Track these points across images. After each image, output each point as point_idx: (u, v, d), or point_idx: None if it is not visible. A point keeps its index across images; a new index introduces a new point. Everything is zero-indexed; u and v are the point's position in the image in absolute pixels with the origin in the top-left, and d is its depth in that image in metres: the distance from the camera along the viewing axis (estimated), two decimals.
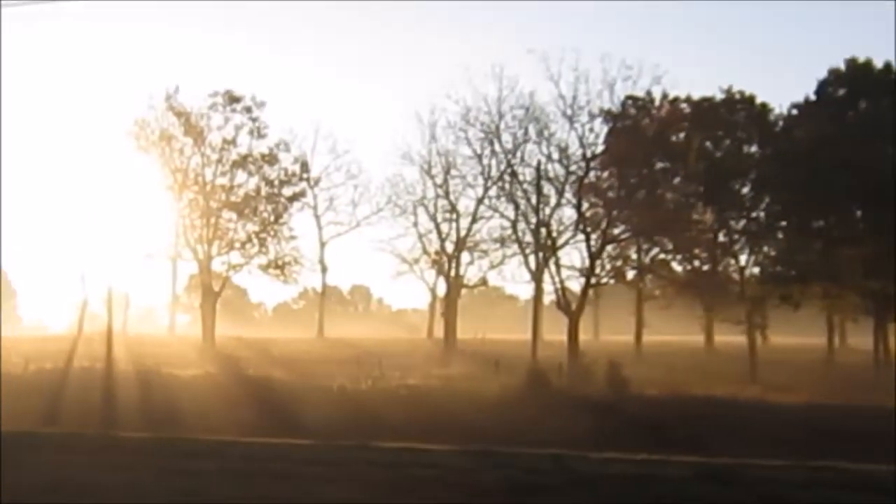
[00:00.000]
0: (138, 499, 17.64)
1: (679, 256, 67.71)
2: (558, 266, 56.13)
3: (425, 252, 72.37)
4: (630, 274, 67.27)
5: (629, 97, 57.95)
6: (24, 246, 72.72)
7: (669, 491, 17.12)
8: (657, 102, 61.63)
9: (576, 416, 26.27)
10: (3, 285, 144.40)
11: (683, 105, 64.38)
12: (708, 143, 63.94)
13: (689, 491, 17.15)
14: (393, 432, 23.58)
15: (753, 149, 65.34)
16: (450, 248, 69.15)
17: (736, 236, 64.54)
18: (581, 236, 56.34)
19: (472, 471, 19.00)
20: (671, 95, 62.17)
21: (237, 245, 67.76)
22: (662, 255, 67.85)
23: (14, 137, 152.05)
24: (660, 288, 72.26)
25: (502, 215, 63.75)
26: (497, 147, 61.47)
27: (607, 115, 56.75)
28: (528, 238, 59.00)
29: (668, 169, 61.31)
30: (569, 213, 57.94)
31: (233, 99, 68.60)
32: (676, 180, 61.74)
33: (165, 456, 21.03)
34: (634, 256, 65.74)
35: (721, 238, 65.17)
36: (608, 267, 60.23)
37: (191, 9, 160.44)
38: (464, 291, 74.21)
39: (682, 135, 63.03)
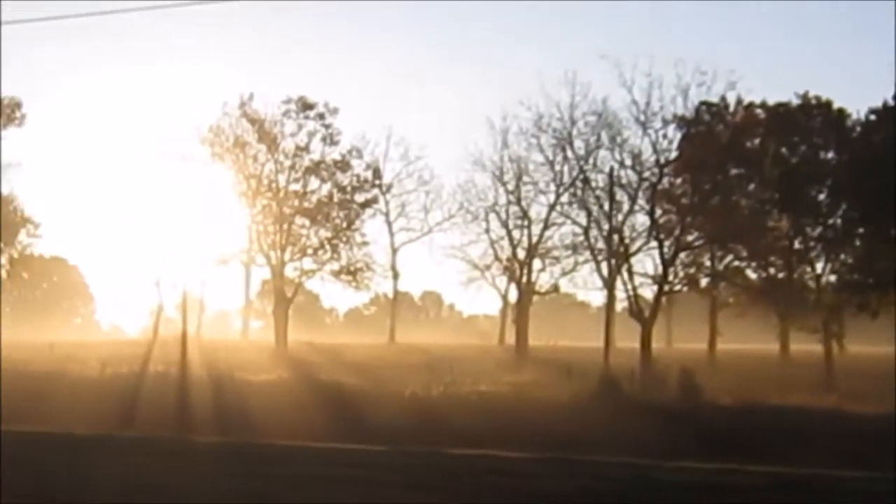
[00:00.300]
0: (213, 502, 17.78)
1: (754, 264, 66.83)
2: (631, 273, 55.84)
3: (497, 258, 72.27)
4: (703, 281, 66.61)
5: (703, 103, 57.43)
6: (101, 252, 73.68)
7: (743, 500, 16.91)
8: (732, 108, 61.02)
9: (648, 423, 26.01)
10: (82, 290, 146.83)
11: (758, 110, 63.63)
12: (783, 149, 63.04)
13: (763, 500, 16.93)
14: (464, 439, 23.50)
15: (830, 155, 64.26)
16: (521, 254, 68.96)
17: (812, 243, 63.58)
18: (654, 243, 56.04)
19: (546, 478, 18.90)
20: (746, 101, 61.61)
21: (310, 251, 68.27)
22: (736, 263, 67.00)
23: (92, 144, 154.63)
24: (734, 296, 71.40)
25: (574, 222, 63.55)
26: (569, 153, 61.33)
27: (681, 121, 56.37)
28: (601, 245, 58.70)
29: (743, 175, 60.59)
30: (642, 220, 57.66)
31: (306, 106, 69.17)
32: (751, 187, 61.01)
33: (239, 460, 21.20)
34: (708, 264, 65.09)
35: (797, 245, 64.24)
36: (681, 274, 59.83)
37: (265, 16, 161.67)
38: (535, 298, 73.87)
39: (756, 141, 62.32)
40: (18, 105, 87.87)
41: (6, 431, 25.64)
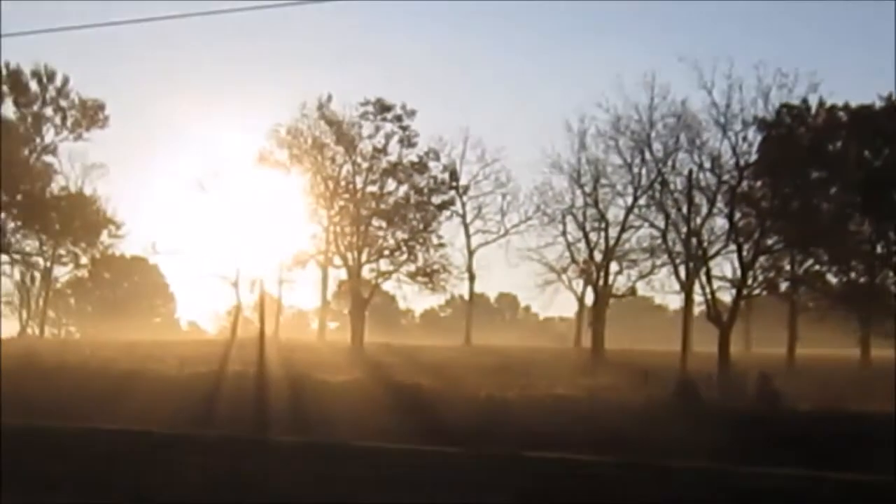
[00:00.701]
0: (292, 501, 17.95)
1: (834, 268, 65.97)
2: (709, 277, 55.37)
3: (573, 261, 72.06)
4: (783, 285, 65.87)
5: (784, 105, 56.89)
6: (180, 252, 74.51)
7: None
8: (813, 110, 60.38)
9: (725, 429, 25.74)
10: (162, 290, 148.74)
11: (840, 113, 62.86)
12: (866, 152, 62.18)
13: None
14: (539, 441, 23.42)
15: None
16: (598, 257, 68.66)
17: (894, 247, 62.61)
18: (733, 246, 55.61)
19: (625, 483, 18.79)
20: (828, 103, 60.90)
21: (386, 252, 68.63)
22: (817, 267, 66.17)
23: (172, 145, 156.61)
24: (814, 300, 70.49)
25: (652, 224, 63.24)
26: (647, 156, 61.07)
27: (761, 124, 55.87)
28: (679, 248, 58.35)
29: (824, 178, 59.83)
30: (720, 223, 57.24)
31: (384, 108, 69.62)
32: (833, 190, 60.24)
33: (316, 460, 21.34)
34: (788, 267, 64.38)
35: (879, 249, 63.33)
36: (760, 278, 59.22)
37: (342, 18, 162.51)
38: (612, 301, 73.55)
39: (838, 143, 61.56)
40: (101, 107, 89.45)
41: (100, 429, 26.13)
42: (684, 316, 58.90)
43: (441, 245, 71.28)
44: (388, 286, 76.84)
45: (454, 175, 78.06)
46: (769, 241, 56.13)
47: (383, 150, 69.94)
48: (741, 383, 39.00)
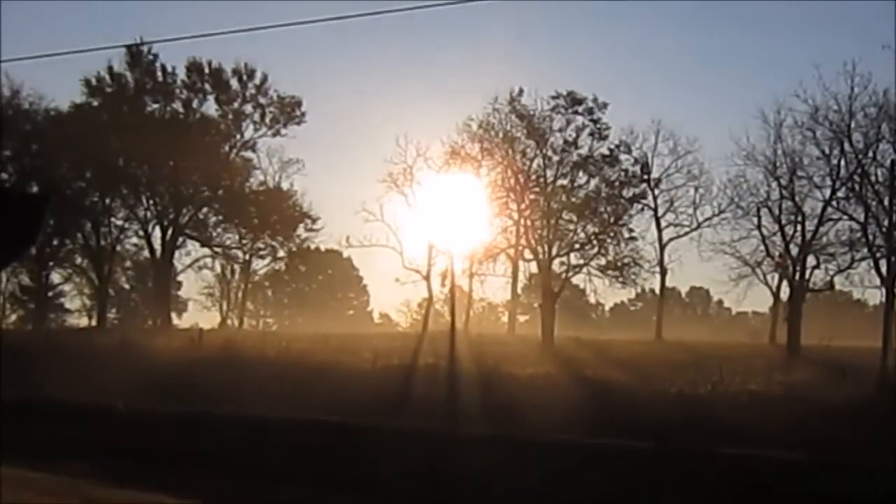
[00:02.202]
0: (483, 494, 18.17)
1: None
2: None
3: (768, 255, 70.40)
4: None
5: None
6: (373, 245, 75.82)
7: None
8: None
9: None
10: (355, 283, 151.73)
11: None
12: None
13: None
14: (733, 438, 23.07)
15: None
16: (794, 250, 66.96)
17: None
18: None
19: (822, 482, 18.37)
20: None
21: (576, 246, 68.32)
22: None
23: (364, 140, 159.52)
24: None
25: (851, 217, 61.32)
26: (847, 147, 59.19)
27: None
28: (879, 241, 56.52)
29: None
30: None
31: (575, 101, 69.41)
32: None
33: (508, 453, 21.54)
34: None
35: None
36: None
37: (533, 11, 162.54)
38: (808, 296, 71.62)
39: None
40: (298, 104, 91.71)
41: (291, 418, 26.94)
42: (885, 311, 56.95)
43: (632, 238, 70.66)
44: (578, 280, 76.59)
45: (646, 168, 77.32)
46: None
47: (574, 143, 69.75)
48: None
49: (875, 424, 25.50)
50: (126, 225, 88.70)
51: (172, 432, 26.04)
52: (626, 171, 71.20)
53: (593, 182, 69.70)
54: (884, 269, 56.14)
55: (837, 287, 72.49)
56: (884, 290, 57.54)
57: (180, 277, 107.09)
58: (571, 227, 68.31)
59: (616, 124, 71.85)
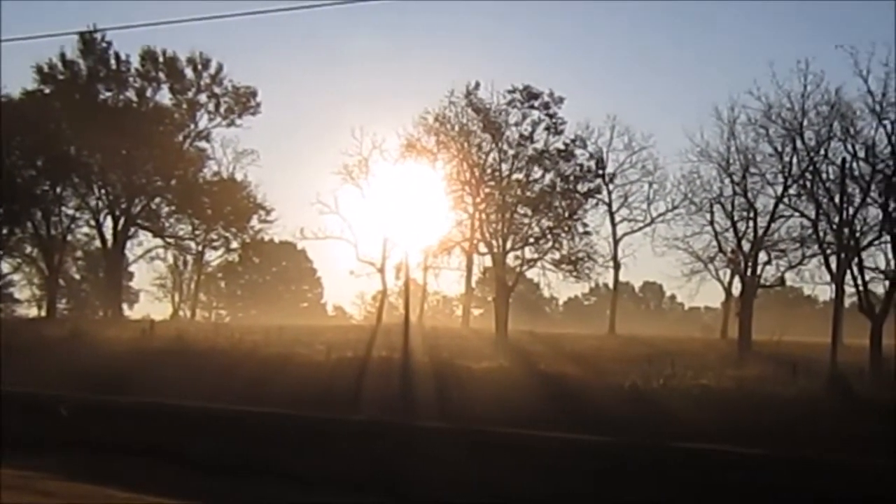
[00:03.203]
0: (435, 486, 18.15)
1: None
2: (861, 267, 53.89)
3: (721, 250, 70.84)
4: None
5: None
6: (327, 238, 75.64)
7: None
8: None
9: (879, 424, 25.13)
10: (309, 275, 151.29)
11: None
12: None
13: None
14: (685, 432, 23.19)
15: None
16: (746, 246, 67.39)
17: None
18: (887, 237, 54.06)
19: (779, 477, 18.49)
20: None
21: (531, 240, 68.47)
22: None
23: (319, 132, 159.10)
24: None
25: (802, 214, 61.72)
26: (799, 144, 59.50)
27: None
28: (830, 238, 56.90)
29: None
30: (874, 213, 55.49)
31: (531, 95, 69.58)
32: None
33: (461, 445, 21.54)
34: None
35: None
36: None
37: (489, 5, 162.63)
38: (760, 291, 72.12)
39: None
40: (254, 94, 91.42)
41: (244, 410, 26.82)
42: (835, 307, 57.34)
43: (586, 233, 70.90)
44: (532, 274, 76.87)
45: (600, 163, 77.71)
46: None
47: (530, 138, 69.90)
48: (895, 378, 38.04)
49: (824, 419, 25.73)
50: (77, 214, 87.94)
51: (124, 424, 25.83)
52: (581, 165, 71.52)
53: (548, 176, 69.94)
54: (833, 266, 56.47)
55: (788, 283, 73.02)
56: (833, 287, 57.93)
57: (132, 268, 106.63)
58: (526, 221, 68.48)
59: (572, 119, 72.25)
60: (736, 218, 67.54)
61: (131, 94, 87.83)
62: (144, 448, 23.84)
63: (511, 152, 69.98)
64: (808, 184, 59.00)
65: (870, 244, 55.52)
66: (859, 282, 53.23)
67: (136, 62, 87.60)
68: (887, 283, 54.41)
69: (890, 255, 53.99)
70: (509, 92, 69.66)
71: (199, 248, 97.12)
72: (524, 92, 69.60)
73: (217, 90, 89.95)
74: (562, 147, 70.24)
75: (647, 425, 25.01)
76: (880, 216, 54.30)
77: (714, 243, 70.64)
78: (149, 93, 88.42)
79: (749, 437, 22.43)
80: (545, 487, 18.38)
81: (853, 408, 28.23)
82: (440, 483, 19.14)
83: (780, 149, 61.33)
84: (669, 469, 19.11)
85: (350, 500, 19.00)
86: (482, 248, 71.61)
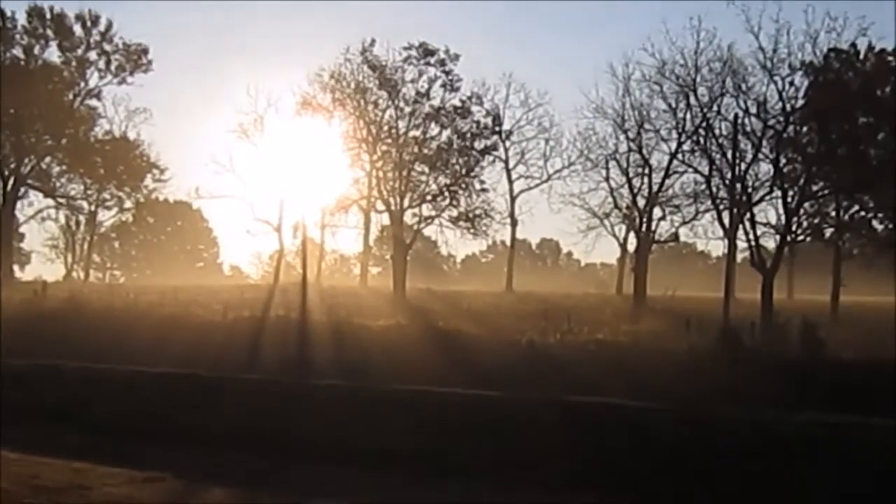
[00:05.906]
0: (335, 441, 18.15)
1: (881, 214, 65.16)
2: (753, 223, 54.96)
3: (616, 206, 71.79)
4: (828, 232, 65.32)
5: (832, 50, 55.98)
6: (223, 197, 74.83)
7: (870, 454, 16.59)
8: (862, 55, 59.46)
9: (769, 377, 25.59)
10: (205, 235, 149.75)
11: (890, 58, 61.86)
12: None
13: (891, 454, 16.58)
14: (582, 387, 23.37)
15: None
16: (641, 203, 68.29)
17: None
18: (778, 192, 55.14)
19: (670, 430, 18.73)
20: (877, 48, 59.98)
21: (428, 198, 68.52)
22: (863, 213, 65.38)
23: (214, 90, 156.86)
24: (859, 247, 69.90)
25: (696, 170, 62.65)
26: (692, 101, 60.34)
27: (809, 69, 55.05)
28: (723, 193, 57.83)
29: (873, 124, 58.84)
30: (765, 169, 56.61)
31: (427, 52, 69.42)
32: (881, 136, 59.23)
33: (357, 403, 21.51)
34: (833, 214, 63.73)
35: None
36: (805, 224, 58.67)
37: None
38: (654, 247, 73.22)
39: (887, 89, 60.62)
40: (145, 51, 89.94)
41: (146, 371, 26.47)
42: (727, 262, 58.36)
43: (483, 190, 71.16)
44: (430, 231, 77.07)
45: (497, 120, 77.99)
46: (815, 188, 55.59)
47: (426, 95, 69.81)
48: (784, 331, 38.72)
49: (716, 372, 26.15)
50: None
51: (17, 387, 25.30)
52: (477, 122, 71.66)
53: (445, 133, 69.98)
54: (726, 221, 57.44)
55: (682, 238, 74.39)
56: (726, 242, 58.98)
57: (23, 229, 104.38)
58: (423, 178, 68.55)
59: (468, 76, 72.40)
60: (631, 174, 68.54)
61: (18, 51, 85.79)
62: (37, 411, 23.33)
63: (408, 109, 69.88)
64: (702, 140, 59.86)
65: (761, 199, 56.65)
66: (751, 237, 54.33)
67: (22, 19, 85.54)
68: (778, 237, 55.56)
69: (781, 211, 55.06)
70: (405, 49, 69.53)
71: (92, 207, 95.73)
72: (420, 49, 69.42)
73: (107, 47, 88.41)
74: (458, 104, 70.34)
75: (544, 381, 25.17)
76: (771, 172, 55.33)
77: (609, 199, 71.74)
78: (36, 50, 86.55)
79: (642, 391, 22.68)
80: (437, 442, 18.44)
81: (743, 361, 28.73)
82: (329, 439, 19.12)
83: (674, 105, 62.20)
84: (559, 422, 19.29)
85: (243, 455, 18.89)
86: (379, 205, 71.54)
